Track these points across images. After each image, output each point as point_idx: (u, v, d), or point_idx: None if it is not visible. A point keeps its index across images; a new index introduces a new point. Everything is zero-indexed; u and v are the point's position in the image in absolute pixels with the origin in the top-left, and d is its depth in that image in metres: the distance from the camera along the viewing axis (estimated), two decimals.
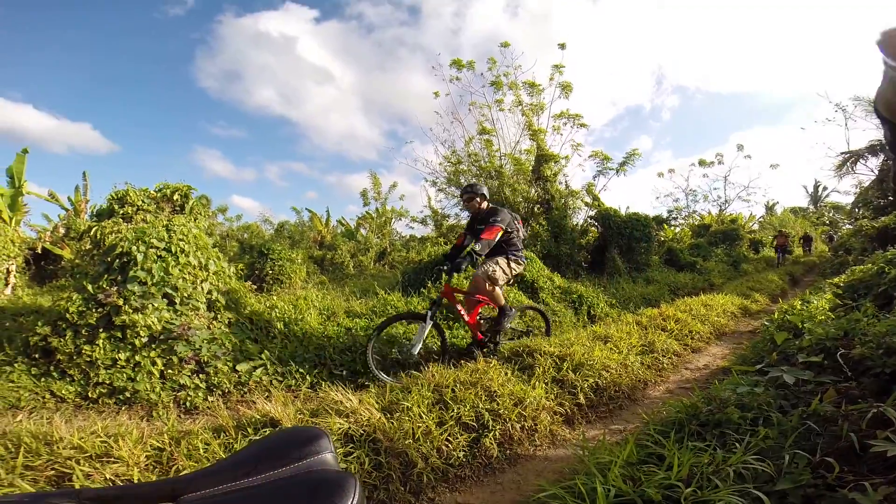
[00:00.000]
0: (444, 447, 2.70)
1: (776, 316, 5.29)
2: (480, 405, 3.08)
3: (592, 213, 12.85)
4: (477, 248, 4.14)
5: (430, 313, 4.21)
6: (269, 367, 4.00)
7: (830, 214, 26.05)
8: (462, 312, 4.50)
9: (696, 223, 23.56)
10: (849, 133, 29.24)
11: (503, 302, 4.56)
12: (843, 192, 23.99)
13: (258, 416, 2.78)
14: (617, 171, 13.14)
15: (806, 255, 21.19)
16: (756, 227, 25.33)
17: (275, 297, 5.65)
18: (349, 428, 2.60)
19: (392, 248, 17.84)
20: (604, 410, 3.79)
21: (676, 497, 1.82)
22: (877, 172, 18.70)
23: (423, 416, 2.82)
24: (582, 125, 13.29)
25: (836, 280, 6.67)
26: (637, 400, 4.06)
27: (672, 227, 22.79)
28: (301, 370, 4.07)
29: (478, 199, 4.65)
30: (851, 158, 20.09)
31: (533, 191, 12.40)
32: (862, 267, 6.16)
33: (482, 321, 4.76)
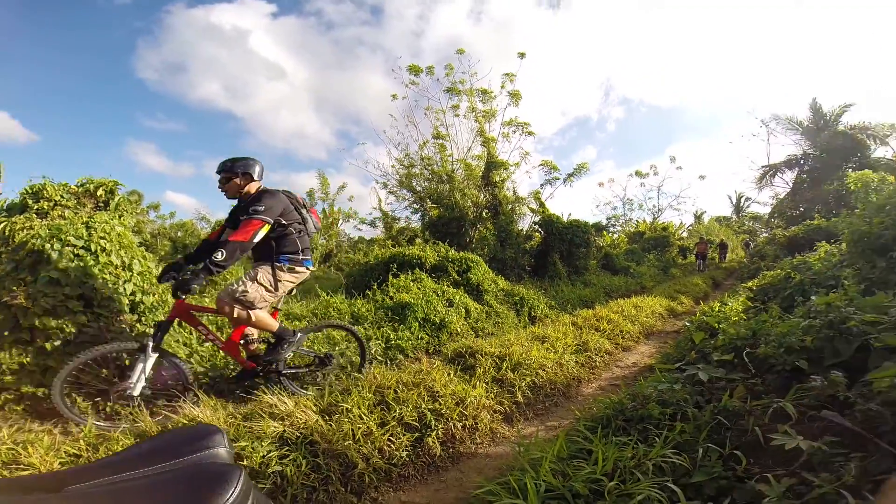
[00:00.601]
0: (386, 447, 2.73)
1: (696, 317, 5.78)
2: (423, 405, 3.14)
3: (537, 219, 13.32)
4: (218, 256, 2.93)
5: (151, 342, 3.05)
6: (198, 370, 3.84)
7: (750, 224, 28.52)
8: (209, 336, 3.39)
9: (632, 230, 25.10)
10: (770, 148, 32.52)
11: (275, 327, 3.48)
12: (762, 202, 26.45)
13: (184, 422, 2.69)
14: (564, 182, 13.75)
15: (721, 262, 22.20)
16: (685, 234, 27.38)
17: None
18: (284, 431, 2.58)
19: (339, 249, 17.50)
20: (541, 408, 3.97)
21: (602, 490, 1.96)
22: (791, 185, 20.77)
23: (364, 418, 2.83)
24: (530, 133, 13.79)
25: (749, 284, 7.38)
26: (571, 397, 4.27)
27: (610, 234, 24.09)
28: (234, 373, 3.91)
29: (238, 180, 3.34)
30: (770, 172, 22.19)
31: (482, 196, 12.68)
32: (771, 272, 6.87)
33: (255, 343, 3.71)
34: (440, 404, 3.22)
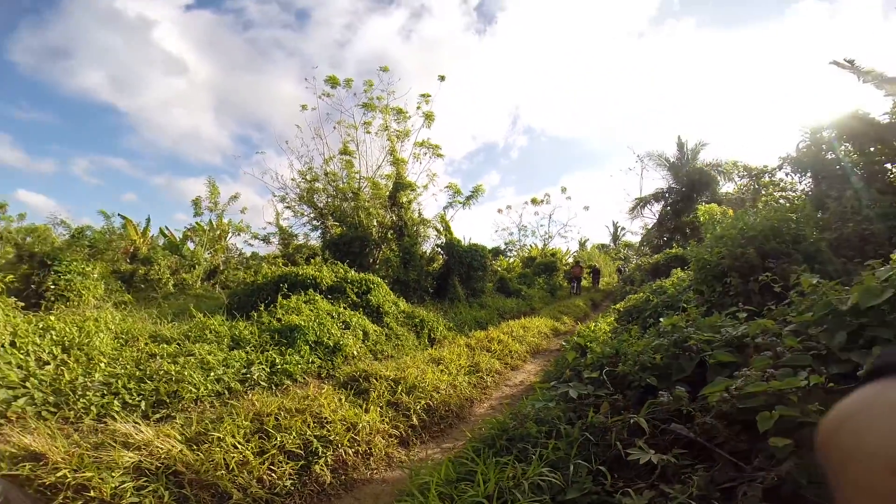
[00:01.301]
0: (266, 477, 2.63)
1: (572, 337, 6.31)
2: (308, 432, 3.04)
3: (440, 241, 13.63)
4: None
5: None
6: (36, 396, 3.34)
7: (625, 251, 32.13)
8: None
9: (526, 255, 26.90)
10: (642, 181, 37.37)
11: None
12: (634, 232, 29.99)
13: (14, 451, 2.37)
14: (463, 205, 14.27)
15: (594, 288, 22.66)
16: (571, 259, 30.08)
17: (52, 318, 4.60)
18: (140, 461, 2.42)
19: (226, 265, 16.02)
20: (436, 430, 3.99)
21: None
22: (657, 216, 23.87)
23: (239, 446, 2.71)
24: (439, 155, 14.16)
25: (617, 306, 8.29)
26: (465, 418, 4.35)
27: (506, 258, 25.53)
28: (84, 401, 3.46)
29: None
30: (641, 203, 25.32)
31: (388, 216, 12.63)
32: (635, 296, 7.80)
33: None
34: (328, 430, 3.14)
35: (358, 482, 3.00)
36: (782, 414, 1.83)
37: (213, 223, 16.87)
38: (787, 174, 9.81)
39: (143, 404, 3.60)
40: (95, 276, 8.43)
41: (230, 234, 17.40)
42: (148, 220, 15.94)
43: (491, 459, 2.42)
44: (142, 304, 8.61)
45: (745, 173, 17.21)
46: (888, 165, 8.06)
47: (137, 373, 3.92)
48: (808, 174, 8.89)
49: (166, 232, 16.87)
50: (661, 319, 3.45)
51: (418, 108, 13.91)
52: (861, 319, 2.21)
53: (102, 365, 3.96)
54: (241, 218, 17.93)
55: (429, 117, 13.86)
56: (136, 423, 2.82)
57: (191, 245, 16.28)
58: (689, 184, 21.13)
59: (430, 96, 13.94)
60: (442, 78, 14.64)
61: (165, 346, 4.66)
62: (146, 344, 4.66)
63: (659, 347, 2.71)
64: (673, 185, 23.13)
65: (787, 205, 6.75)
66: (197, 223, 16.71)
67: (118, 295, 8.73)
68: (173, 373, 3.98)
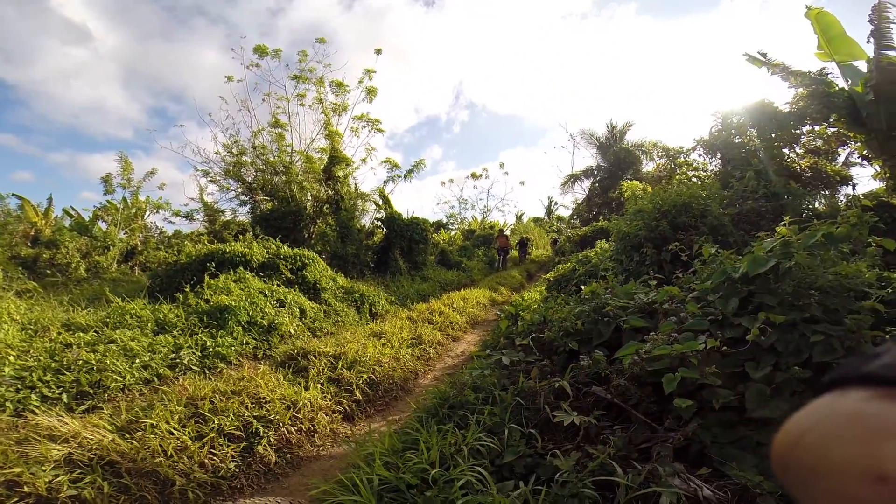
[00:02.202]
0: (207, 461, 2.62)
1: (506, 306, 6.62)
2: (247, 413, 3.01)
3: (380, 215, 13.45)
4: None
5: None
6: None
7: (558, 224, 33.59)
8: None
9: (466, 228, 27.35)
10: (574, 159, 39.00)
11: None
12: (566, 206, 31.38)
13: None
14: (404, 178, 14.13)
15: (522, 260, 21.61)
16: (508, 232, 31.03)
17: None
18: (70, 454, 2.33)
19: (145, 246, 14.76)
20: (381, 404, 4.06)
21: (429, 478, 2.11)
22: (587, 192, 25.12)
23: (175, 432, 2.67)
24: (379, 130, 13.76)
25: (547, 275, 8.75)
26: (409, 390, 4.47)
27: (448, 231, 25.79)
28: None
29: None
30: (572, 179, 26.50)
31: (323, 190, 12.19)
32: (563, 265, 8.27)
33: None
34: (268, 410, 3.12)
35: (304, 460, 3.02)
36: (684, 376, 2.09)
37: (128, 201, 15.36)
38: (699, 155, 10.73)
39: (64, 396, 3.38)
40: None
41: (148, 213, 15.95)
42: (50, 200, 14.16)
43: (433, 428, 2.53)
44: (50, 291, 7.78)
45: (664, 153, 18.53)
46: (786, 150, 9.08)
47: (53, 364, 3.63)
48: (718, 156, 9.79)
49: (72, 212, 15.11)
50: (582, 287, 3.71)
51: (360, 81, 13.38)
52: (750, 287, 2.53)
53: (11, 358, 3.62)
54: (161, 195, 16.47)
55: (371, 92, 13.40)
56: (59, 415, 2.66)
57: (103, 225, 14.74)
58: (615, 162, 22.40)
59: (374, 71, 13.46)
60: (378, 51, 14.08)
61: (81, 334, 4.30)
62: (59, 333, 4.28)
63: (581, 314, 2.93)
64: (601, 164, 24.40)
65: (699, 183, 7.42)
66: (109, 201, 15.12)
67: (20, 283, 7.82)
68: (94, 362, 3.72)
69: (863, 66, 7.80)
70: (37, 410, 2.95)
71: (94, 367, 3.70)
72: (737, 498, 1.70)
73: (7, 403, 3.17)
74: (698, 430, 2.00)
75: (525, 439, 2.27)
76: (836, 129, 9.02)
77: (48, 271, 10.79)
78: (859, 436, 0.29)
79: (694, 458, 2.01)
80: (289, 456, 2.99)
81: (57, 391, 3.42)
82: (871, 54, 7.58)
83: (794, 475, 0.33)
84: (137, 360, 4.00)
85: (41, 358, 3.72)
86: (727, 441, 2.02)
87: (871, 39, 7.50)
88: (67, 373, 3.58)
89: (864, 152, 9.08)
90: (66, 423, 2.53)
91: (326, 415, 3.48)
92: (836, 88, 7.94)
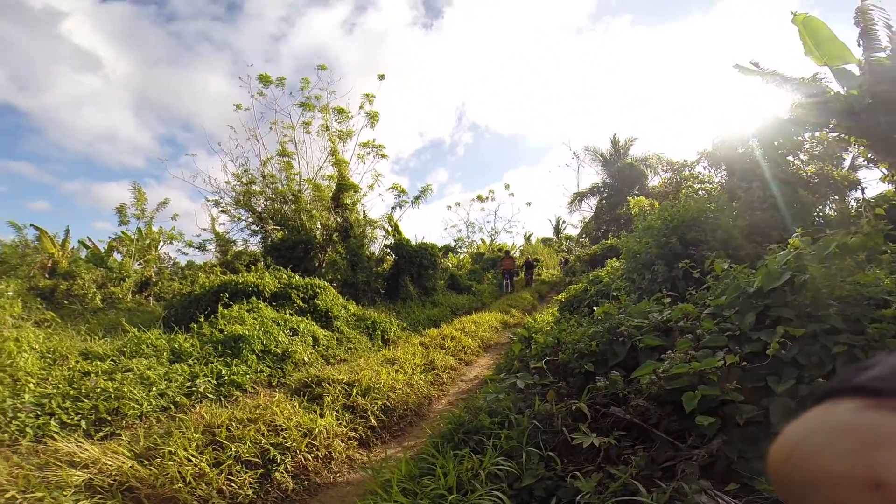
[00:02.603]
0: (225, 487, 2.63)
1: (519, 330, 6.56)
2: (263, 441, 3.02)
3: (389, 242, 13.55)
4: None
5: None
6: None
7: (566, 243, 33.58)
8: None
9: (474, 251, 27.39)
10: (579, 177, 39.17)
11: None
12: (574, 225, 31.38)
13: None
14: (412, 204, 14.28)
15: (528, 284, 20.01)
16: (517, 254, 31.01)
17: None
18: (91, 479, 2.37)
19: (159, 277, 14.98)
20: (396, 430, 4.03)
21: None
22: (594, 210, 25.09)
23: (193, 459, 2.68)
24: (384, 156, 14.00)
25: (559, 297, 8.69)
26: (424, 416, 4.42)
27: (457, 255, 25.86)
28: (17, 423, 3.28)
29: None
30: (578, 198, 26.51)
31: (332, 218, 12.35)
32: (575, 286, 8.21)
33: None
34: (284, 438, 3.14)
35: (322, 486, 3.02)
36: (704, 393, 2.05)
37: (142, 231, 15.68)
38: (704, 167, 10.75)
39: (83, 423, 3.44)
40: (10, 293, 7.64)
41: (162, 243, 16.23)
42: (67, 231, 14.51)
43: (450, 453, 2.50)
44: (67, 321, 7.92)
45: (669, 167, 18.58)
46: (790, 158, 9.07)
47: (72, 392, 3.71)
48: (723, 167, 9.80)
49: (88, 243, 15.45)
50: (595, 308, 3.69)
51: (361, 107, 13.66)
52: (766, 301, 2.50)
53: (31, 385, 3.71)
54: (173, 225, 16.81)
55: (373, 117, 13.66)
56: (78, 442, 2.71)
57: (118, 256, 15.00)
58: (621, 178, 22.41)
59: (373, 96, 13.73)
60: (381, 77, 14.48)
61: (99, 363, 4.38)
62: (77, 362, 4.37)
63: (595, 335, 2.91)
64: (607, 180, 24.39)
65: (705, 196, 7.42)
66: (123, 232, 15.43)
67: (38, 313, 7.98)
68: (111, 390, 3.79)
69: (855, 69, 7.83)
70: (56, 437, 3.00)
71: (112, 395, 3.76)
72: None
73: (28, 429, 3.24)
74: (723, 446, 1.96)
75: (544, 462, 2.23)
76: (836, 134, 9.01)
77: (65, 301, 10.97)
78: (852, 445, 0.29)
79: (721, 474, 1.96)
80: (306, 483, 2.99)
81: (76, 418, 3.48)
82: (860, 57, 7.61)
83: (789, 488, 0.33)
84: (154, 388, 4.05)
85: (60, 385, 3.80)
86: (754, 455, 1.97)
87: (861, 42, 7.54)
88: (86, 400, 3.65)
89: (869, 155, 9.03)
90: (86, 450, 2.57)
91: (342, 441, 3.47)
92: (832, 93, 7.95)
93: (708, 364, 2.11)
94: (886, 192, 8.32)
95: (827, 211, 8.67)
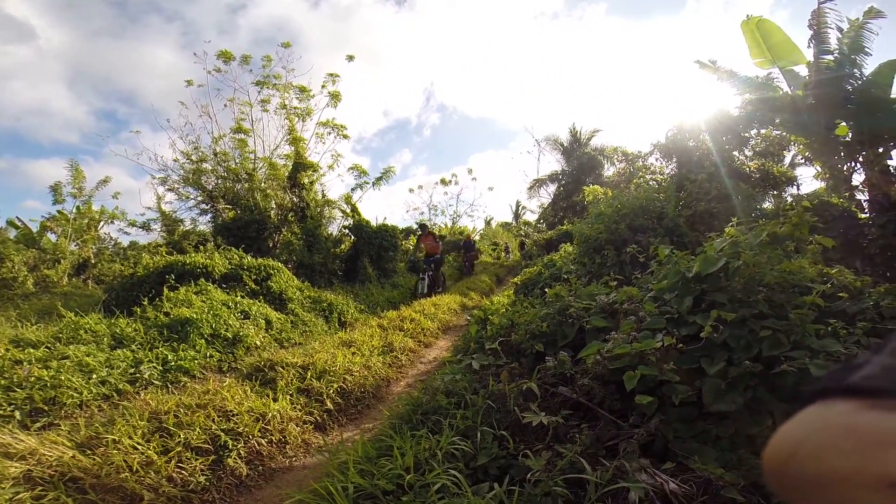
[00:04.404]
0: (176, 475, 2.58)
1: (475, 311, 6.67)
2: (214, 427, 2.97)
3: (347, 223, 13.28)
4: None
5: None
6: None
7: (525, 228, 34.21)
8: None
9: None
10: (539, 164, 39.84)
11: None
12: (533, 211, 31.97)
13: None
14: (373, 185, 14.02)
15: (469, 272, 17.48)
16: (477, 237, 31.34)
17: None
18: (30, 470, 2.28)
19: (99, 258, 14.03)
20: (353, 412, 4.02)
21: (405, 484, 2.10)
22: (552, 196, 25.68)
23: (139, 447, 2.61)
24: (345, 136, 13.58)
25: (515, 279, 8.88)
26: (382, 398, 4.43)
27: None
28: None
29: None
30: (537, 184, 27.05)
31: (288, 198, 11.94)
32: (530, 269, 8.42)
33: None
34: (236, 423, 3.08)
35: (277, 471, 2.99)
36: (643, 373, 2.18)
37: (80, 210, 14.57)
38: (657, 159, 11.22)
39: (17, 414, 3.22)
40: None
41: (102, 223, 15.18)
42: None
43: (407, 434, 2.53)
44: None
45: (624, 158, 19.22)
46: (735, 153, 9.62)
47: (2, 381, 3.45)
48: (674, 159, 10.27)
49: (18, 223, 14.18)
50: (546, 290, 3.81)
51: (324, 87, 13.14)
52: (703, 286, 2.67)
53: None
54: (116, 204, 15.71)
55: (335, 97, 13.18)
56: (13, 433, 2.57)
57: (52, 237, 13.90)
58: (579, 167, 23.02)
59: (338, 76, 13.23)
60: (350, 58, 13.92)
61: (32, 350, 4.07)
62: (7, 350, 4.05)
63: (546, 316, 3.02)
64: (566, 168, 24.99)
65: (656, 186, 7.75)
66: (59, 211, 14.28)
67: None
68: (47, 378, 3.55)
69: (803, 70, 8.32)
70: None
71: (48, 384, 3.53)
72: (701, 490, 1.77)
73: None
74: (660, 425, 2.09)
75: (497, 441, 2.30)
76: (780, 132, 9.61)
77: None
78: (860, 446, 0.29)
79: (659, 453, 2.09)
80: (260, 468, 2.95)
81: (8, 408, 3.25)
82: (810, 59, 8.07)
83: (792, 486, 0.33)
84: (94, 376, 3.83)
85: None
86: (689, 435, 2.11)
87: (812, 44, 8.00)
88: (19, 390, 3.40)
89: (807, 154, 9.72)
90: (22, 440, 2.45)
91: (297, 426, 3.43)
92: (780, 93, 8.44)
93: (647, 345, 2.23)
94: (818, 189, 9.03)
95: (766, 204, 9.29)
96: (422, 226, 13.46)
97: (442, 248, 12.13)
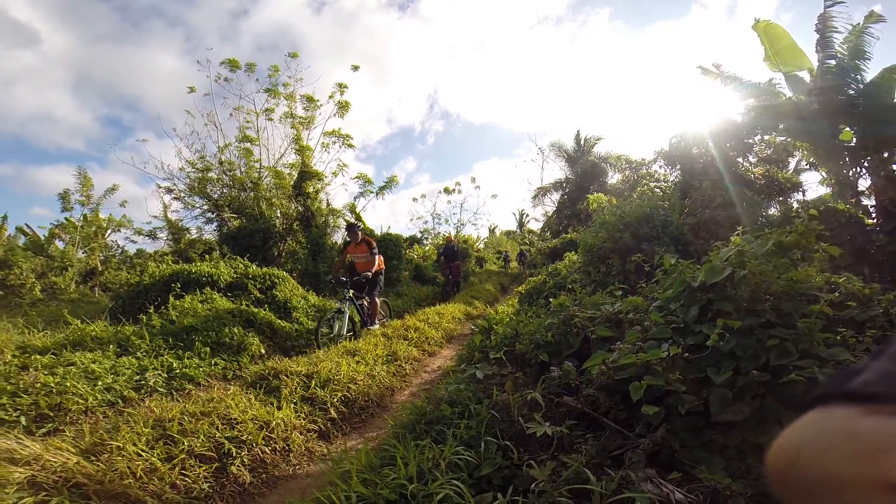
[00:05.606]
0: (179, 482, 2.58)
1: (480, 321, 6.64)
2: (218, 434, 2.97)
3: None
4: None
5: None
6: None
7: (529, 237, 34.19)
8: None
9: (441, 243, 27.47)
10: (543, 172, 39.89)
11: None
12: (537, 219, 31.97)
13: None
14: (377, 195, 14.10)
15: (452, 284, 13.12)
16: (482, 246, 31.36)
17: None
18: (34, 476, 2.29)
19: (106, 266, 14.15)
20: (357, 421, 4.01)
21: (407, 494, 2.09)
22: (556, 204, 25.66)
23: (143, 454, 2.61)
24: (350, 146, 13.70)
25: (519, 288, 8.86)
26: (386, 407, 4.41)
27: (422, 247, 25.80)
28: None
29: None
30: (542, 192, 27.06)
31: (293, 207, 12.02)
32: (535, 278, 8.40)
33: None
34: (240, 431, 3.08)
35: (280, 479, 2.98)
36: (649, 383, 2.16)
37: (88, 218, 14.73)
38: (660, 167, 11.20)
39: (22, 419, 3.24)
40: None
41: (109, 231, 15.33)
42: (4, 218, 13.47)
43: (411, 443, 2.51)
44: (2, 314, 7.40)
45: (628, 165, 19.22)
46: (740, 160, 9.59)
47: (9, 387, 3.48)
48: (678, 167, 10.25)
49: (27, 230, 14.34)
50: (551, 300, 3.80)
51: (331, 97, 13.30)
52: (709, 295, 2.64)
53: None
54: (124, 212, 15.90)
55: (343, 107, 13.33)
56: (18, 438, 2.57)
57: (60, 244, 14.05)
58: (583, 175, 23.02)
59: (346, 86, 13.40)
60: (356, 68, 14.07)
61: (38, 356, 4.12)
62: (14, 356, 4.10)
63: (550, 326, 3.00)
64: (570, 176, 24.99)
65: (660, 194, 7.73)
66: (67, 219, 14.45)
67: None
68: (53, 384, 3.58)
69: (807, 75, 8.25)
70: None
71: (54, 390, 3.55)
72: (708, 500, 1.74)
73: None
74: (667, 435, 2.07)
75: (501, 451, 2.28)
76: (784, 138, 9.56)
77: (0, 292, 10.22)
78: (860, 450, 0.30)
79: (665, 462, 2.06)
80: (264, 476, 2.94)
81: (14, 414, 3.28)
82: (815, 64, 8.01)
83: (796, 490, 0.34)
84: (100, 383, 3.86)
85: None
86: (695, 445, 2.09)
87: (818, 48, 7.95)
88: (25, 395, 3.42)
89: (811, 159, 9.65)
90: (27, 446, 2.45)
91: (301, 434, 3.42)
92: (784, 98, 8.39)
93: (653, 355, 2.21)
94: (824, 195, 8.96)
95: (771, 211, 9.23)
96: (350, 227, 7.53)
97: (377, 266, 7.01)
